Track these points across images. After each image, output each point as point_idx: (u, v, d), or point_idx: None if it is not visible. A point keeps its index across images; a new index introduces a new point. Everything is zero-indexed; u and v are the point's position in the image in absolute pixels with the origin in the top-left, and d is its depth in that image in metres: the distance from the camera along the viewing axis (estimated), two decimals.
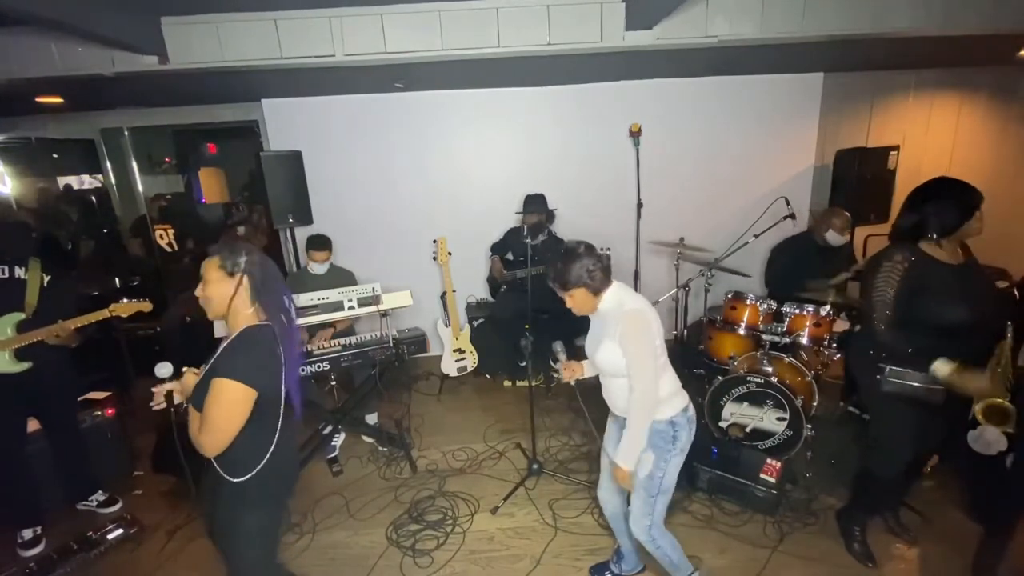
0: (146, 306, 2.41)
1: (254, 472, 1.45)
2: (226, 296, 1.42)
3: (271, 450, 1.47)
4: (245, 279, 1.43)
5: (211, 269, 1.43)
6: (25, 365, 2.32)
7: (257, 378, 1.38)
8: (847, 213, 3.16)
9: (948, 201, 1.83)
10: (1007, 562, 1.97)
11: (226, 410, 1.36)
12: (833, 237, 3.13)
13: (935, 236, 1.84)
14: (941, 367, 1.79)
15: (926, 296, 1.81)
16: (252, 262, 1.44)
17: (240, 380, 1.34)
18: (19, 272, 2.33)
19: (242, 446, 1.43)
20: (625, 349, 1.60)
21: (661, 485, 1.72)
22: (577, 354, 4.63)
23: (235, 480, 1.45)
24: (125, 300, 2.38)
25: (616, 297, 1.68)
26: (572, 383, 1.94)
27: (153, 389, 1.56)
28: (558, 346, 1.99)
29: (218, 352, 1.46)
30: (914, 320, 1.83)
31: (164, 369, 1.58)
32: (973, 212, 1.79)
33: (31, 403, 2.46)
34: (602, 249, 3.63)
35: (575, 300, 1.68)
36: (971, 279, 1.86)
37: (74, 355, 2.57)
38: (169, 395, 1.57)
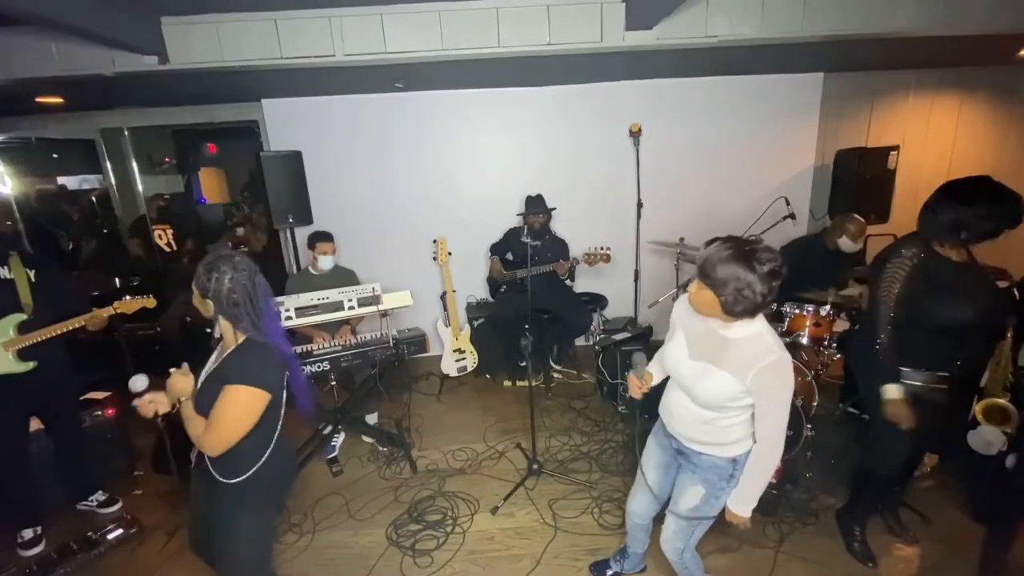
0: (150, 302, 2.40)
1: (251, 473, 1.46)
2: (208, 312, 1.44)
3: (269, 451, 1.49)
4: (211, 303, 1.41)
5: (193, 284, 1.43)
6: (29, 365, 2.31)
7: (269, 381, 1.41)
8: (862, 220, 3.12)
9: (998, 208, 1.70)
10: (1013, 565, 1.97)
11: (241, 414, 1.39)
12: (846, 243, 3.10)
13: (968, 239, 1.75)
14: (893, 391, 1.83)
15: (936, 293, 1.78)
16: (221, 286, 1.38)
17: (255, 385, 1.37)
18: (3, 272, 2.30)
19: (245, 448, 1.44)
20: (765, 401, 1.39)
21: (704, 518, 1.62)
22: (576, 355, 4.61)
23: (231, 481, 1.45)
24: (128, 297, 2.37)
25: (756, 328, 1.39)
26: (639, 397, 1.64)
27: (134, 404, 1.54)
28: (638, 356, 1.63)
29: (221, 359, 1.46)
30: (921, 318, 1.82)
31: (139, 383, 1.54)
32: (1017, 224, 1.68)
33: (33, 403, 2.46)
34: (601, 249, 3.71)
35: (699, 297, 1.38)
36: (976, 277, 1.84)
37: (74, 354, 2.57)
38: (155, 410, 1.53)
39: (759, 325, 1.39)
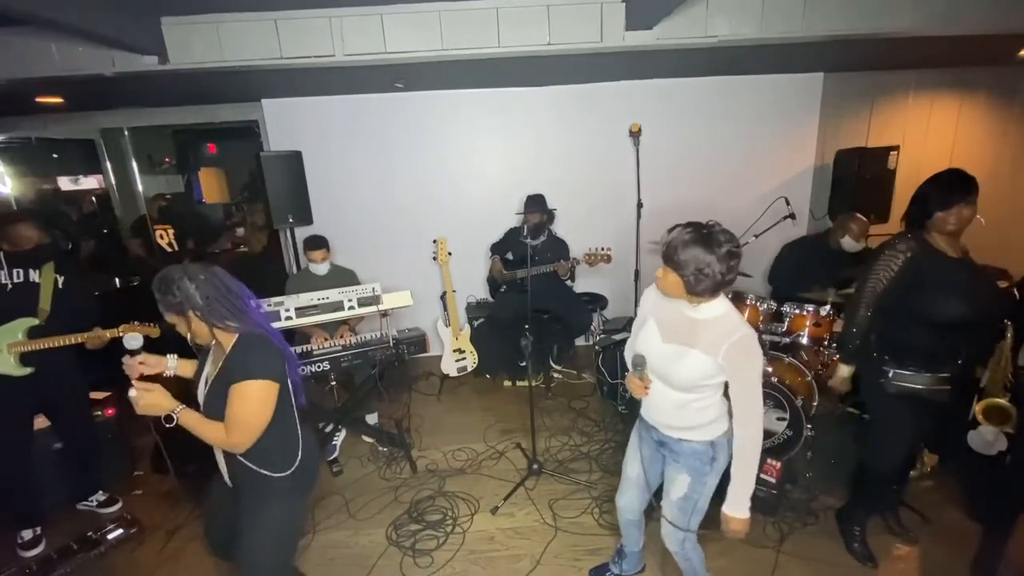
0: (155, 331, 2.35)
1: (297, 462, 1.52)
2: (200, 329, 1.43)
3: (301, 438, 1.55)
4: (192, 313, 1.41)
5: (166, 315, 1.44)
6: (27, 371, 2.32)
7: (274, 371, 1.43)
8: (865, 219, 3.11)
9: (930, 188, 1.86)
10: (1007, 561, 1.98)
11: (256, 408, 1.41)
12: (849, 243, 3.09)
13: (914, 222, 1.89)
14: (845, 370, 2.09)
15: (929, 288, 1.80)
16: (188, 293, 1.38)
17: (262, 377, 1.39)
18: (34, 276, 2.34)
19: (276, 440, 1.48)
20: (738, 377, 1.43)
21: (696, 506, 1.63)
22: (576, 355, 4.61)
23: (277, 475, 1.50)
24: (136, 323, 2.36)
25: (722, 308, 1.46)
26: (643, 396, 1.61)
27: (124, 360, 1.53)
28: (639, 357, 1.55)
29: (223, 361, 1.45)
30: (918, 313, 1.82)
31: (134, 341, 1.53)
32: (945, 207, 1.79)
33: (39, 405, 2.47)
34: (602, 249, 3.70)
35: (666, 280, 1.45)
36: (971, 273, 1.85)
37: (76, 356, 2.56)
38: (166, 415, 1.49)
39: (724, 306, 1.47)
